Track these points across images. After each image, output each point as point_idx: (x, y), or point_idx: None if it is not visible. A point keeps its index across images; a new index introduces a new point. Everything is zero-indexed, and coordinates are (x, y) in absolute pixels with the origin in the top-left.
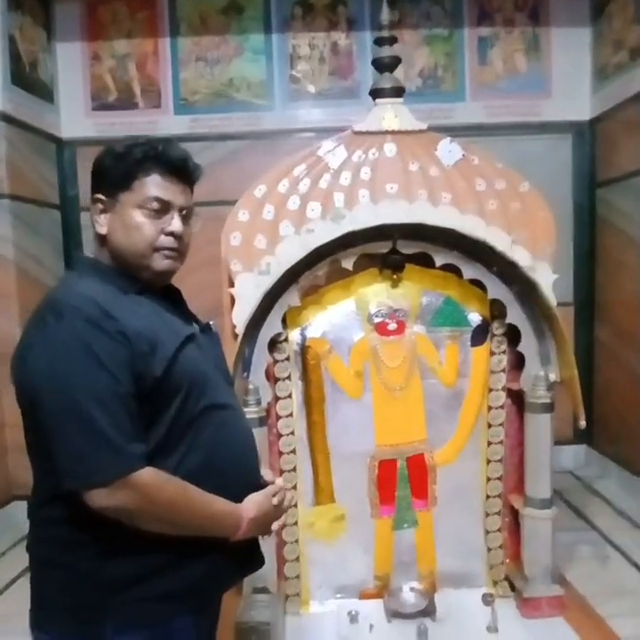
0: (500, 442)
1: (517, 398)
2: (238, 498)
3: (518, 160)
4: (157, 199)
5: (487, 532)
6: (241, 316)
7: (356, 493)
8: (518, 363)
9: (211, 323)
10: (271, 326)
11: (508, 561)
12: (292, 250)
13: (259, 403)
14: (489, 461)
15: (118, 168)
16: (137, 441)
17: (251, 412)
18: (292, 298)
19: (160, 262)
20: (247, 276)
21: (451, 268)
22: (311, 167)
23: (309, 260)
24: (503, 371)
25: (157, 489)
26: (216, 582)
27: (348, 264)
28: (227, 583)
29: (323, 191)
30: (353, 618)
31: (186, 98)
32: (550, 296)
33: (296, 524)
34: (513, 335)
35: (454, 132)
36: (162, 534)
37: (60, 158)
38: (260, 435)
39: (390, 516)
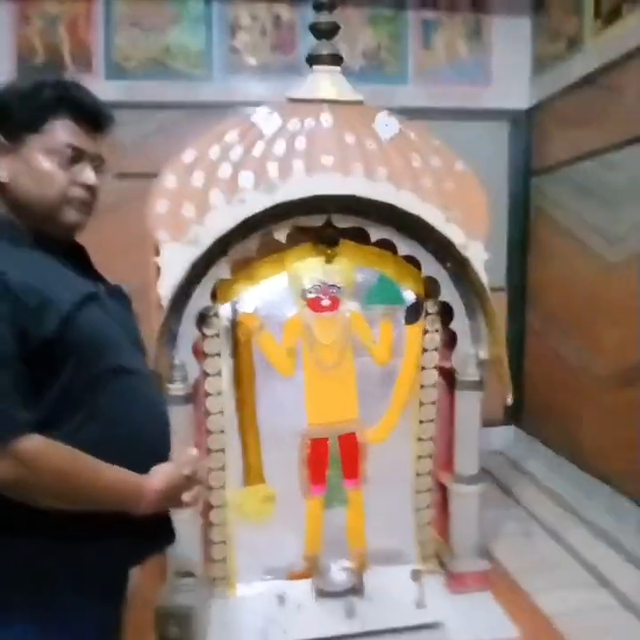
0: (432, 420)
1: (449, 377)
2: (146, 470)
3: (457, 146)
4: (71, 146)
5: (417, 510)
6: (166, 287)
7: (287, 473)
8: (450, 341)
9: (122, 286)
10: (199, 299)
11: (437, 537)
12: (223, 220)
13: (185, 379)
14: (420, 439)
15: (26, 107)
16: (20, 406)
17: (176, 389)
18: (221, 270)
19: (70, 215)
20: (173, 246)
21: (386, 245)
22: (244, 134)
23: (240, 232)
24: (436, 349)
25: (43, 458)
26: (117, 562)
27: (280, 237)
28: (129, 563)
29: (256, 160)
30: (280, 600)
31: (119, 63)
32: (482, 274)
33: (224, 505)
34: (446, 314)
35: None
36: (57, 510)
37: None
38: (185, 413)
39: (321, 495)
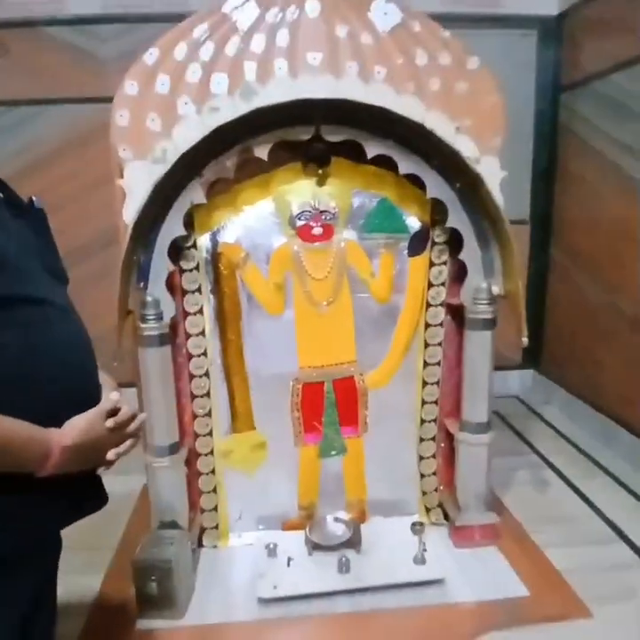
0: (438, 363)
1: (457, 315)
2: (61, 422)
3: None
4: None
5: (421, 458)
6: (130, 212)
7: (278, 419)
8: (459, 275)
9: (34, 199)
10: (171, 228)
11: (442, 488)
12: (193, 133)
13: (159, 317)
14: (425, 384)
15: None
16: None
17: (149, 329)
18: (195, 193)
19: None
20: (138, 165)
21: (386, 163)
22: (215, 28)
23: (215, 147)
24: (443, 284)
25: None
26: (37, 525)
27: (262, 153)
28: (52, 527)
29: (230, 60)
30: (271, 551)
31: None
32: (497, 195)
33: (211, 453)
34: (455, 243)
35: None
36: None
37: None
38: (160, 355)
39: (316, 443)
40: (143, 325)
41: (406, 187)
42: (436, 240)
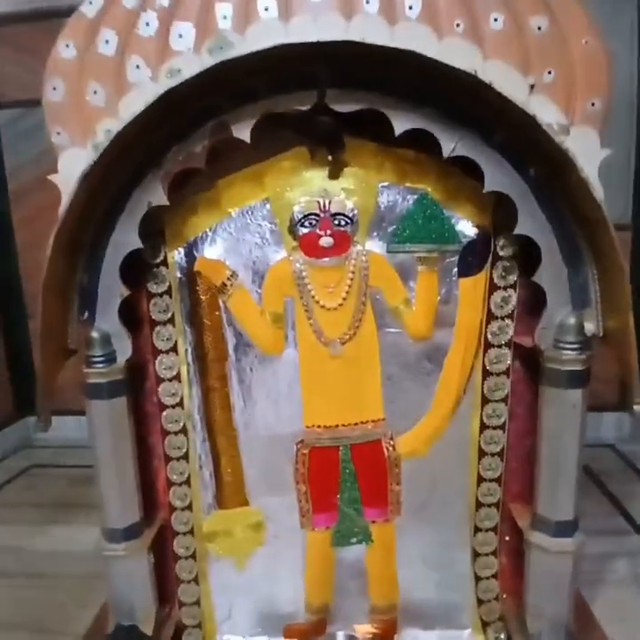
0: (502, 426)
1: (531, 360)
2: None
3: None
4: None
5: (476, 555)
6: (67, 217)
7: (279, 493)
8: (534, 304)
9: None
10: (123, 238)
11: (505, 596)
12: (145, 105)
13: (110, 359)
14: (483, 454)
15: None
16: None
17: (96, 375)
18: (152, 192)
19: None
20: (76, 154)
21: (424, 143)
22: None
23: (179, 126)
24: (510, 316)
25: None
26: None
27: (242, 132)
28: None
29: (197, 2)
30: None
31: None
32: (595, 183)
33: (192, 532)
34: (528, 260)
35: None
36: None
37: None
38: (111, 409)
39: (329, 527)
40: (88, 370)
41: (456, 177)
42: (501, 253)
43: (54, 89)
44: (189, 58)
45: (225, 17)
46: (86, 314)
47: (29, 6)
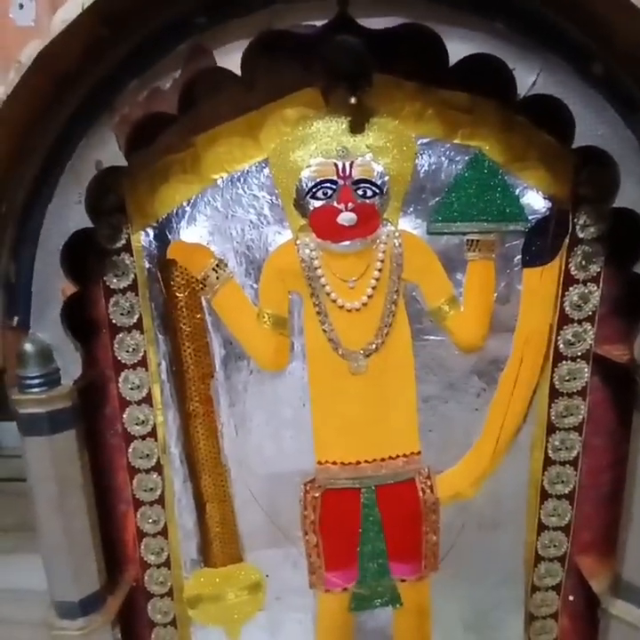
0: (573, 461)
1: (617, 377)
2: None
3: None
4: None
5: (532, 619)
6: None
7: (283, 545)
8: (623, 305)
9: None
10: (64, 213)
11: None
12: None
13: (52, 381)
14: (546, 496)
15: None
16: None
17: (32, 403)
18: (102, 145)
19: None
20: None
21: (484, 82)
22: None
23: (138, 49)
24: (590, 320)
25: None
26: None
27: (229, 61)
28: None
29: None
30: None
31: None
32: None
33: (170, 594)
34: (620, 245)
35: None
36: None
37: None
38: (52, 448)
39: (347, 586)
40: (20, 397)
41: (524, 129)
42: (582, 235)
43: None
44: None
45: None
46: (16, 319)
47: None
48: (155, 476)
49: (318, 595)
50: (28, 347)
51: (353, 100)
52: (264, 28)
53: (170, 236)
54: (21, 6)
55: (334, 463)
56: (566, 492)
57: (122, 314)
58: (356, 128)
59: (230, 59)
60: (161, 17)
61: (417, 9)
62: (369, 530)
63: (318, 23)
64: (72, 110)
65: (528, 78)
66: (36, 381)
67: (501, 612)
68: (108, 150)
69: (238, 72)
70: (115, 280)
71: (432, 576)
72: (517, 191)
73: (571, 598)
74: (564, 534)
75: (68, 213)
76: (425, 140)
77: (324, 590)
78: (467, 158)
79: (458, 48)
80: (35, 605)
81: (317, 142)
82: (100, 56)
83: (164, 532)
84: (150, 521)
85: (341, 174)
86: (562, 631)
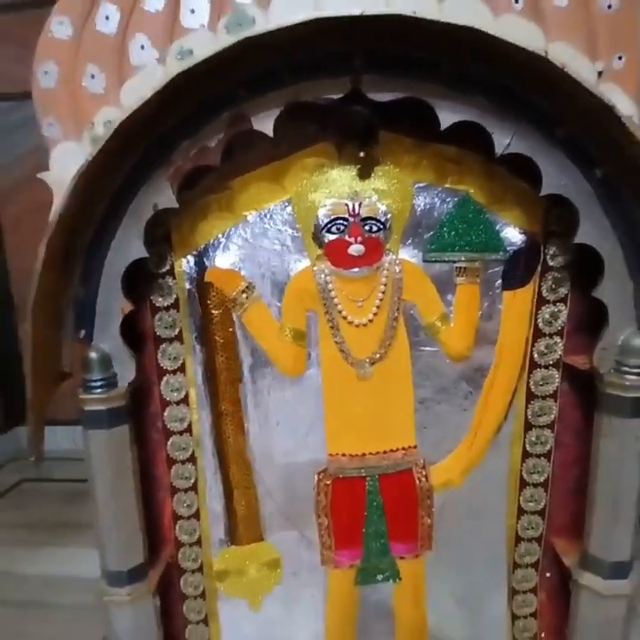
0: (547, 454)
1: (582, 383)
2: None
3: None
4: None
5: (514, 593)
6: (52, 221)
7: (298, 527)
8: (586, 321)
9: None
10: (125, 245)
11: (543, 635)
12: (151, 92)
13: (110, 384)
14: (525, 484)
15: None
16: None
17: (94, 401)
18: (159, 192)
19: None
20: (70, 148)
21: (470, 139)
22: None
23: (190, 117)
24: (560, 333)
25: None
26: None
27: (264, 124)
28: None
29: None
30: None
31: None
32: None
33: (201, 569)
34: (582, 271)
35: None
36: None
37: None
38: (110, 440)
39: (353, 563)
40: (85, 396)
41: (503, 177)
42: (551, 263)
43: (46, 74)
44: (203, 36)
45: None
46: (83, 332)
47: None
48: (190, 466)
49: (328, 571)
50: (93, 355)
51: (361, 154)
52: (292, 100)
53: (207, 263)
54: (93, 76)
55: (343, 455)
56: (542, 480)
57: (165, 328)
58: (364, 175)
59: (264, 123)
60: (211, 90)
61: (414, 86)
62: (373, 513)
63: (335, 96)
64: (135, 162)
65: (504, 140)
66: (98, 384)
67: (487, 586)
68: (163, 195)
69: (271, 134)
70: (160, 299)
71: (427, 554)
72: (498, 227)
73: (548, 575)
74: (541, 517)
75: (128, 246)
76: (421, 185)
77: (333, 567)
78: (455, 200)
79: (447, 116)
80: (64, 590)
81: (332, 186)
82: (161, 121)
83: (196, 515)
84: (185, 505)
85: (352, 213)
86: (540, 604)
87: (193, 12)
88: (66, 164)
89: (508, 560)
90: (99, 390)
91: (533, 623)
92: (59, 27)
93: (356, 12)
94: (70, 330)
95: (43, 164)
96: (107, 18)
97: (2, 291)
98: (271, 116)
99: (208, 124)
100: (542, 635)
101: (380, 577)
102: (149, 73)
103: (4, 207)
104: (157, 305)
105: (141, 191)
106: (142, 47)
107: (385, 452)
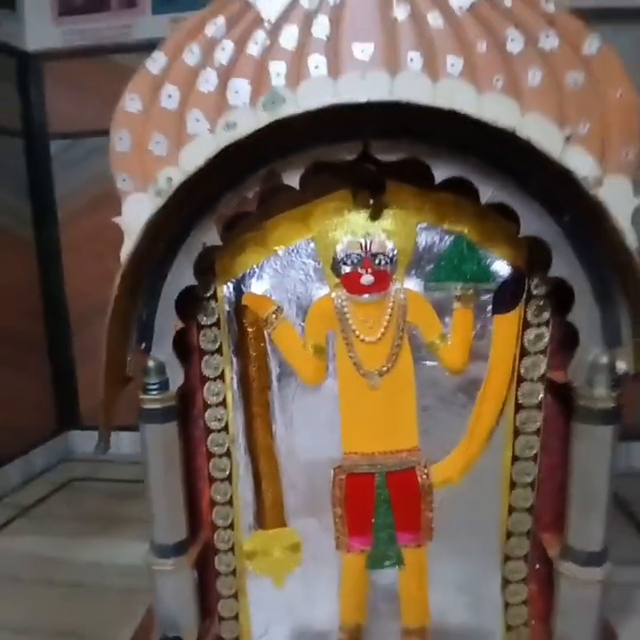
0: (533, 458)
1: (564, 395)
2: None
3: None
4: None
5: (506, 582)
6: (125, 256)
7: (317, 516)
8: (567, 341)
9: None
10: (179, 275)
11: (533, 623)
12: (204, 156)
13: (164, 387)
14: (514, 485)
15: None
16: None
17: (151, 401)
18: (207, 233)
19: None
20: (139, 198)
21: (463, 189)
22: (235, 20)
23: (234, 174)
24: (543, 352)
25: None
26: None
27: (292, 179)
28: None
29: (253, 61)
30: None
31: None
32: (627, 231)
33: (232, 550)
34: (562, 297)
35: None
36: None
37: (23, 75)
38: (164, 433)
39: (364, 549)
40: (144, 396)
41: (492, 220)
42: (534, 292)
43: (120, 139)
44: (245, 112)
45: (278, 74)
46: (143, 345)
47: (79, 43)
48: (225, 459)
49: (342, 555)
50: (151, 364)
51: (372, 201)
52: (314, 160)
53: (244, 289)
54: (158, 142)
55: (356, 453)
56: (529, 481)
57: (208, 342)
58: (375, 217)
59: (292, 179)
60: (250, 154)
61: (414, 149)
62: (380, 506)
63: (349, 157)
64: (191, 210)
65: (487, 192)
66: (154, 387)
67: (482, 576)
68: (210, 235)
69: (297, 187)
70: (204, 318)
71: (428, 544)
72: (488, 261)
73: (537, 566)
74: (529, 514)
75: (181, 276)
76: (423, 226)
77: (346, 551)
78: (452, 238)
79: (441, 172)
80: (107, 575)
81: (348, 227)
82: (210, 179)
83: (230, 502)
84: (220, 494)
85: (364, 249)
86: (530, 593)
87: (237, 92)
88: (135, 211)
89: (501, 552)
90: (154, 392)
91: (524, 610)
92: (131, 102)
93: (363, 99)
94: (134, 342)
95: (97, 195)
96: (169, 96)
97: (59, 308)
98: (297, 173)
99: (247, 179)
100: (532, 622)
101: (387, 563)
102: (202, 140)
103: (64, 232)
104: (202, 323)
105: (193, 232)
106: (197, 120)
107: (392, 452)
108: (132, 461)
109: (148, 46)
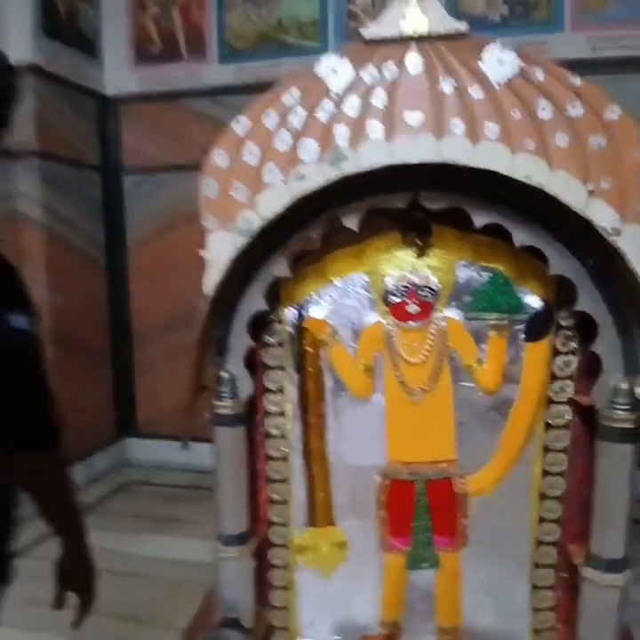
0: (561, 473)
1: (588, 417)
2: None
3: (632, 106)
4: None
5: (534, 588)
6: (211, 285)
7: (362, 517)
8: (592, 368)
9: None
10: (252, 302)
11: (560, 627)
12: (278, 202)
13: (235, 396)
14: (544, 497)
15: None
16: None
17: (224, 407)
18: (278, 266)
19: None
20: (221, 236)
21: (499, 233)
22: (307, 92)
23: (301, 217)
24: (570, 377)
25: None
26: None
27: (351, 223)
28: None
29: (321, 125)
30: None
31: (231, 44)
32: None
33: (286, 545)
34: (587, 329)
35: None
36: None
37: (102, 116)
38: (235, 435)
39: (404, 550)
40: (218, 403)
41: (524, 259)
42: (562, 323)
43: (208, 186)
44: (313, 166)
45: (342, 136)
46: (219, 359)
47: (152, 88)
48: (283, 463)
49: (384, 554)
50: (225, 375)
51: (419, 242)
52: (370, 208)
53: (305, 314)
54: (238, 189)
55: (400, 462)
56: (558, 494)
57: (272, 359)
58: (421, 255)
59: (351, 222)
60: (316, 201)
61: (456, 199)
62: (420, 511)
63: (401, 205)
64: (265, 246)
65: (521, 236)
66: (227, 395)
67: (512, 582)
68: (280, 268)
69: (356, 230)
70: (270, 338)
71: (463, 549)
72: (521, 295)
73: (564, 575)
74: (557, 525)
75: (253, 302)
76: (463, 263)
77: (388, 551)
78: (489, 275)
79: (480, 219)
80: (159, 567)
81: (397, 263)
82: (282, 222)
83: (286, 502)
84: (277, 493)
85: (411, 283)
86: (557, 599)
87: (307, 150)
88: (219, 246)
89: (531, 560)
90: (227, 400)
91: (551, 616)
92: (218, 156)
93: (414, 160)
94: (212, 357)
95: (162, 225)
96: (250, 153)
97: (124, 324)
98: (356, 217)
99: (312, 222)
100: (559, 626)
101: (424, 564)
102: (275, 189)
103: (132, 256)
104: (267, 342)
105: (265, 265)
106: (271, 171)
107: (431, 463)
108: (183, 469)
109: (214, 92)
